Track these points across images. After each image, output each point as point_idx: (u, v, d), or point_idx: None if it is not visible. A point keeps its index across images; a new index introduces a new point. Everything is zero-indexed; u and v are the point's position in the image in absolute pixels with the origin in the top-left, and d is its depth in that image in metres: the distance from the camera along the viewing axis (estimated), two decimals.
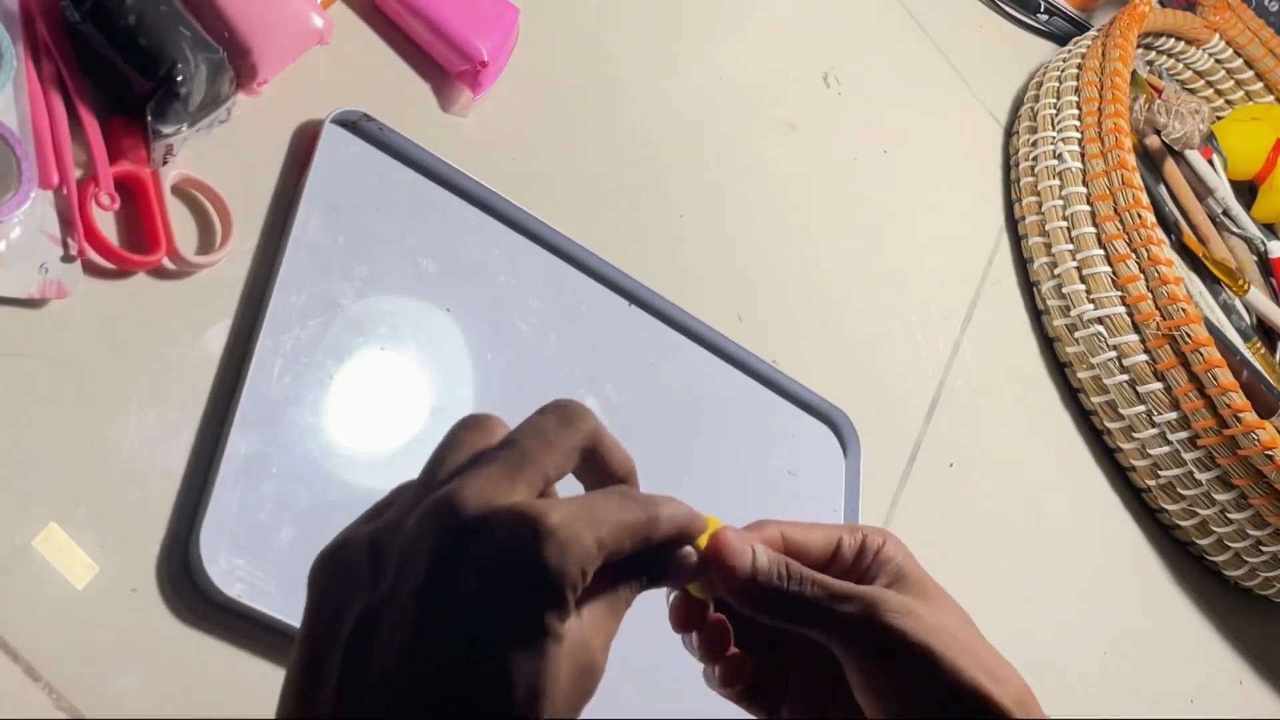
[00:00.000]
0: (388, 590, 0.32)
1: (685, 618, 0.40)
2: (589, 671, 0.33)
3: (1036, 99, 1.09)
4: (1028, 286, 1.02)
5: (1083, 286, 0.95)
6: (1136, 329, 0.92)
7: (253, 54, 0.59)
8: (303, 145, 0.64)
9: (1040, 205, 1.01)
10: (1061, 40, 1.25)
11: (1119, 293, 0.93)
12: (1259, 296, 1.10)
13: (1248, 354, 1.02)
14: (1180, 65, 1.27)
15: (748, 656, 0.41)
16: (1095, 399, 0.97)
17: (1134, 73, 1.09)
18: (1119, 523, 0.98)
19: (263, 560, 0.52)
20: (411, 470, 0.36)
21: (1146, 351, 0.91)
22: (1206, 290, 1.07)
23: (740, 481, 0.74)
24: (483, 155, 0.71)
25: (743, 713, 0.43)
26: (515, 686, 0.31)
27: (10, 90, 0.53)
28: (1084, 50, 1.09)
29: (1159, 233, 0.92)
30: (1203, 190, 1.15)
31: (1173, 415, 0.91)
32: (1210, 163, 1.17)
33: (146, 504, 0.52)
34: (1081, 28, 1.27)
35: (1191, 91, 1.28)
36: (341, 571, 0.34)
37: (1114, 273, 0.93)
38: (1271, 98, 1.29)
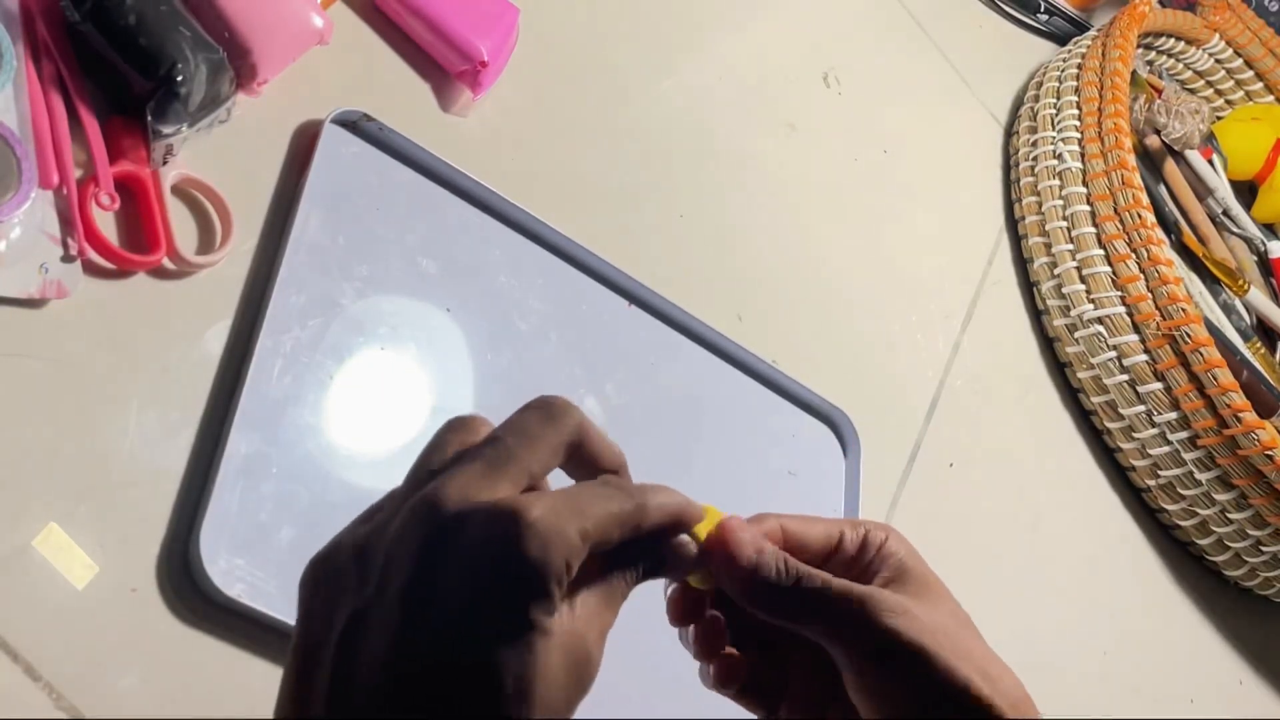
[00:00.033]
0: (374, 591, 0.32)
1: (682, 611, 0.40)
2: (583, 663, 0.33)
3: (1036, 99, 1.09)
4: (1028, 286, 1.02)
5: (1083, 286, 0.95)
6: (1136, 329, 0.92)
7: (253, 54, 0.59)
8: (303, 145, 0.64)
9: (1040, 205, 1.01)
10: (1061, 40, 1.25)
11: (1119, 293, 0.93)
12: (1259, 296, 1.10)
13: (1248, 354, 1.02)
14: (1180, 65, 1.27)
15: (746, 655, 0.41)
16: (1095, 399, 0.97)
17: (1134, 73, 1.09)
18: (1119, 523, 0.98)
19: (263, 560, 0.52)
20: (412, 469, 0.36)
21: (1146, 351, 0.91)
22: (1206, 290, 1.07)
23: (740, 481, 0.74)
24: (483, 155, 0.71)
25: (742, 712, 0.43)
26: (503, 682, 0.31)
27: (10, 90, 0.53)
28: (1084, 50, 1.09)
29: (1159, 233, 0.92)
30: (1203, 190, 1.15)
31: (1173, 415, 0.91)
32: (1210, 163, 1.17)
33: (146, 504, 0.52)
34: (1081, 28, 1.27)
35: (1191, 91, 1.28)
36: (331, 576, 0.34)
37: (1114, 273, 0.93)
38: (1271, 98, 1.29)
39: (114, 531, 0.51)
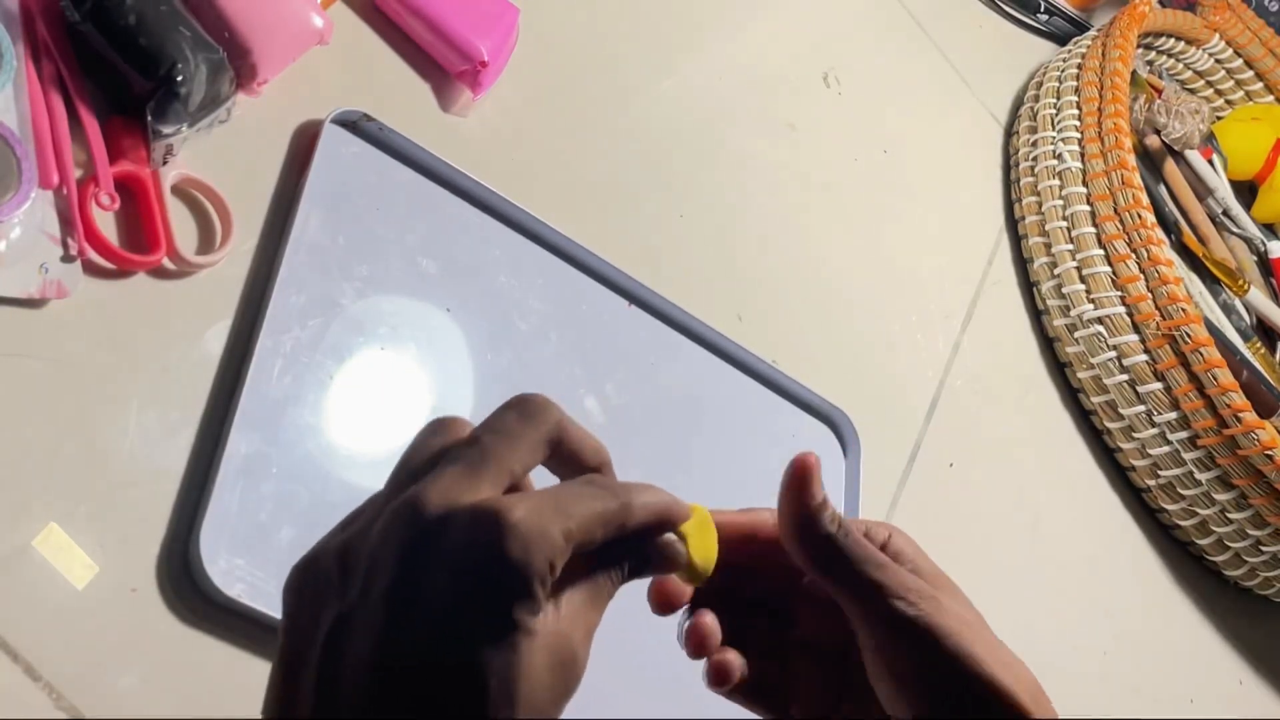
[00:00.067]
0: (358, 595, 0.32)
1: (662, 599, 0.40)
2: (569, 664, 0.33)
3: (1036, 99, 1.09)
4: (1028, 286, 1.02)
5: (1083, 286, 0.95)
6: (1136, 329, 0.92)
7: (253, 54, 0.59)
8: (303, 145, 0.64)
9: (1040, 205, 1.01)
10: (1061, 40, 1.25)
11: (1119, 293, 0.93)
12: (1259, 296, 1.10)
13: (1248, 354, 1.02)
14: (1180, 65, 1.27)
15: (748, 656, 0.41)
16: (1095, 399, 0.97)
17: (1134, 73, 1.09)
18: (1119, 523, 0.98)
19: (263, 560, 0.52)
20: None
21: (1146, 351, 0.91)
22: (1206, 290, 1.07)
23: (740, 481, 0.74)
24: (483, 155, 0.71)
25: (739, 712, 0.43)
26: (487, 683, 0.31)
27: (10, 90, 0.53)
28: (1084, 50, 1.09)
29: (1159, 233, 0.92)
30: (1203, 190, 1.15)
31: (1173, 415, 0.91)
32: (1210, 163, 1.17)
33: (146, 504, 0.52)
34: (1081, 28, 1.27)
35: (1191, 91, 1.28)
36: (314, 580, 0.34)
37: (1114, 273, 0.93)
38: (1271, 98, 1.29)
39: (114, 531, 0.51)
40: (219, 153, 0.60)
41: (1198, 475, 0.92)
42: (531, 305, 0.68)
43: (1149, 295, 0.91)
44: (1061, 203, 0.99)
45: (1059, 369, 1.00)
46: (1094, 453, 0.99)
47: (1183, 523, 0.97)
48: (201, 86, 0.56)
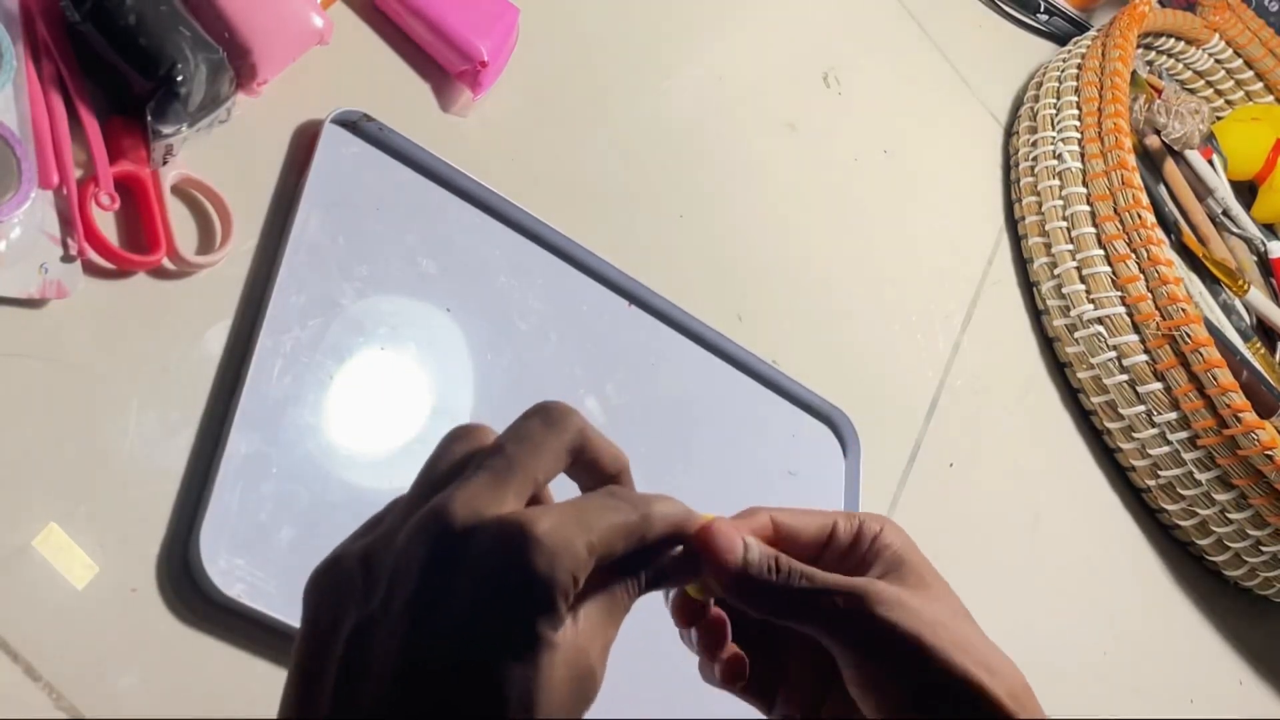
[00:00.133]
0: (381, 602, 0.32)
1: (686, 614, 0.40)
2: (586, 678, 0.33)
3: (1036, 99, 1.09)
4: (1028, 286, 1.02)
5: (1083, 286, 0.95)
6: (1136, 329, 0.92)
7: (253, 54, 0.59)
8: (303, 145, 0.64)
9: (1040, 205, 1.01)
10: (1061, 40, 1.25)
11: (1119, 293, 0.93)
12: (1259, 296, 1.10)
13: (1248, 354, 1.02)
14: (1180, 65, 1.27)
15: (743, 649, 0.41)
16: (1095, 399, 0.97)
17: (1134, 73, 1.09)
18: (1119, 523, 0.98)
19: (263, 560, 0.52)
20: (412, 471, 0.36)
21: (1146, 351, 0.91)
22: (1206, 290, 1.07)
23: (740, 481, 0.74)
24: (483, 155, 0.71)
25: (741, 710, 0.43)
26: (508, 696, 0.31)
27: (10, 90, 0.53)
28: (1084, 50, 1.09)
29: (1159, 233, 0.92)
30: (1203, 190, 1.15)
31: (1173, 415, 0.91)
32: (1210, 163, 1.17)
33: (146, 504, 0.52)
34: (1081, 28, 1.27)
35: (1191, 91, 1.28)
36: (335, 586, 0.34)
37: (1114, 273, 0.93)
38: (1271, 98, 1.29)
39: (114, 531, 0.51)
40: (219, 153, 0.60)
41: (1198, 475, 0.92)
42: (531, 305, 0.68)
43: (1149, 295, 0.91)
44: (1061, 203, 0.99)
45: (1059, 369, 1.00)
46: (1094, 453, 0.99)
47: (1183, 523, 0.97)
48: (201, 86, 0.56)
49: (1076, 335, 0.96)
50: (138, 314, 0.55)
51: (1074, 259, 0.96)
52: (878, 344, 0.89)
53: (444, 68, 0.72)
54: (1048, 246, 0.99)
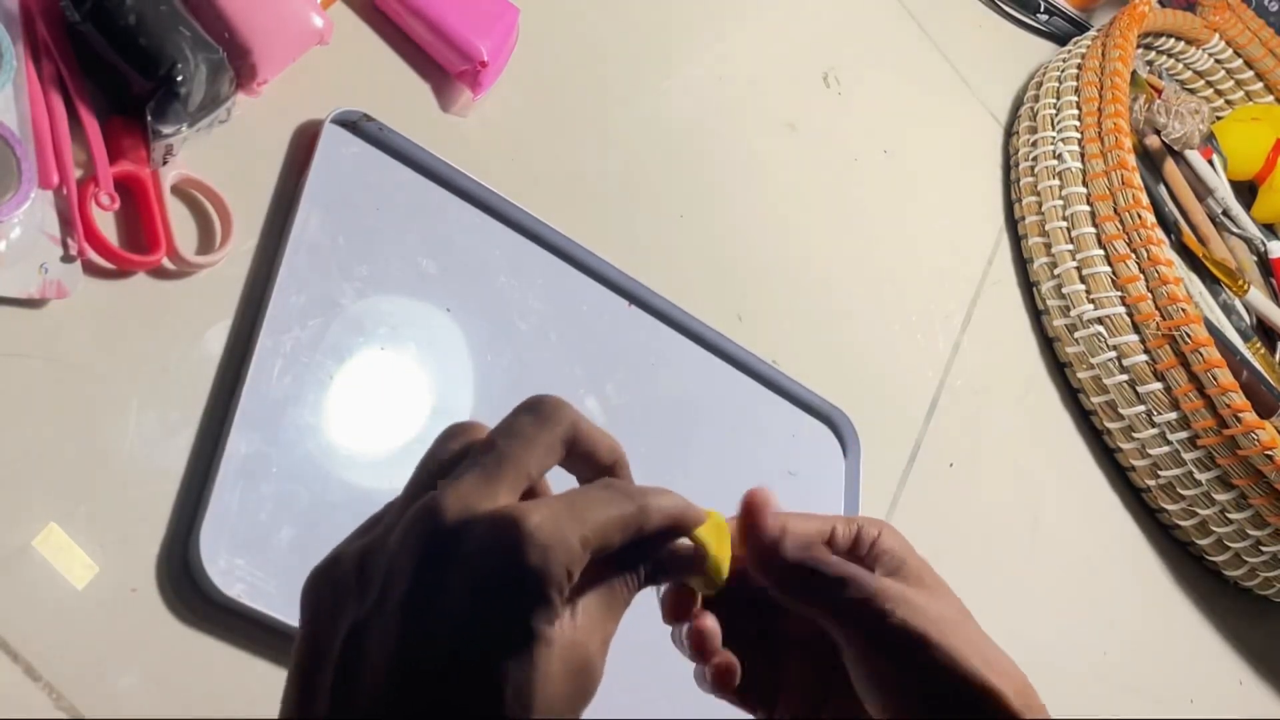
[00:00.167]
0: (375, 602, 0.32)
1: (674, 608, 0.40)
2: (585, 672, 0.33)
3: (1036, 99, 1.09)
4: (1028, 286, 1.02)
5: (1083, 286, 0.95)
6: (1136, 329, 0.92)
7: (253, 54, 0.59)
8: (303, 145, 0.64)
9: (1040, 205, 1.01)
10: (1061, 40, 1.25)
11: (1119, 293, 0.93)
12: (1259, 296, 1.10)
13: (1248, 354, 1.02)
14: (1180, 65, 1.27)
15: (739, 654, 0.41)
16: (1095, 399, 0.97)
17: (1134, 73, 1.09)
18: (1119, 523, 0.98)
19: (263, 560, 0.52)
20: (411, 471, 0.36)
21: (1146, 351, 0.91)
22: (1206, 290, 1.07)
23: (740, 481, 0.73)
24: (483, 155, 0.71)
25: (738, 713, 0.43)
26: (504, 691, 0.31)
27: (10, 90, 0.53)
28: (1084, 50, 1.09)
29: (1159, 233, 0.92)
30: (1203, 190, 1.15)
31: (1173, 415, 0.91)
32: (1210, 163, 1.17)
33: (146, 504, 0.52)
34: (1081, 28, 1.27)
35: (1191, 91, 1.28)
36: (332, 587, 0.34)
37: (1114, 273, 0.93)
38: (1271, 98, 1.29)
39: (114, 531, 0.51)
40: (219, 153, 0.60)
41: (1198, 475, 0.92)
42: (531, 305, 0.68)
43: (1149, 295, 0.91)
44: (1061, 203, 0.99)
45: (1059, 369, 1.00)
46: (1094, 453, 0.99)
47: (1183, 523, 0.97)
48: (201, 86, 0.56)
49: (1076, 335, 0.96)
50: (138, 314, 0.55)
51: (1074, 259, 0.96)
52: (878, 344, 0.89)
53: (444, 68, 0.72)
54: (1048, 246, 0.99)
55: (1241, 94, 1.30)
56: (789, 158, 0.92)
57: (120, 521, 0.51)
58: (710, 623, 0.40)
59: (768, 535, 0.38)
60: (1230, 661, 0.99)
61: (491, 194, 0.68)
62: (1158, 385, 0.91)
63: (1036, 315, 1.01)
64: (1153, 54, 1.24)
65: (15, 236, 0.51)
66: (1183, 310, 0.89)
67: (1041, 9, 1.25)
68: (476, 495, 0.33)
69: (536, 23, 0.77)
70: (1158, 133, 1.13)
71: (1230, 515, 0.93)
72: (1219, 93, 1.30)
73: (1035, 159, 1.04)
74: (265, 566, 0.52)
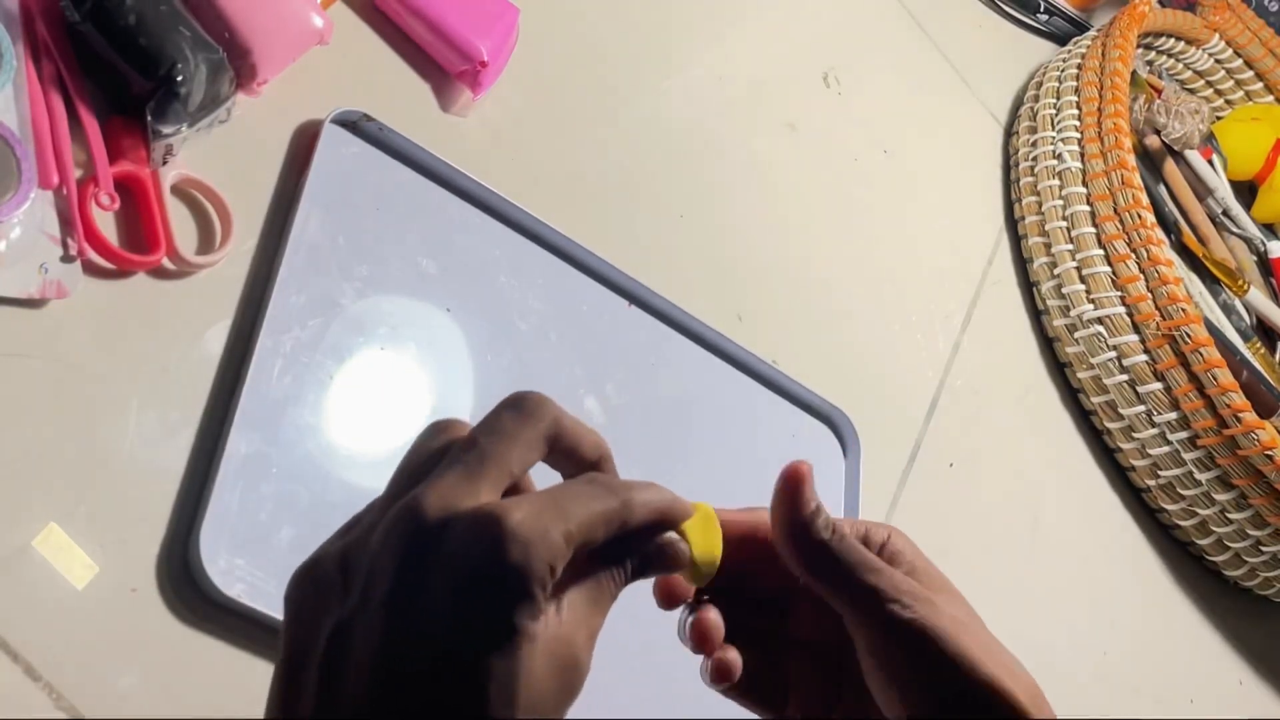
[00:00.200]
0: (358, 601, 0.32)
1: (667, 595, 0.40)
2: (571, 667, 0.33)
3: (1036, 99, 1.09)
4: (1028, 286, 1.02)
5: (1082, 286, 0.95)
6: (1136, 329, 0.92)
7: (253, 54, 0.59)
8: (303, 145, 0.64)
9: (1040, 205, 1.01)
10: (1061, 40, 1.25)
11: (1119, 293, 0.93)
12: (1259, 296, 1.10)
13: (1248, 354, 1.02)
14: (1180, 65, 1.27)
15: (744, 652, 0.41)
16: (1095, 399, 0.97)
17: (1134, 73, 1.09)
18: (1119, 523, 0.98)
19: (263, 560, 0.52)
20: None
21: (1146, 351, 0.91)
22: (1206, 290, 1.07)
23: (740, 482, 0.74)
24: (483, 155, 0.71)
25: (741, 712, 0.43)
26: (488, 689, 0.31)
27: (10, 90, 0.53)
28: (1084, 50, 1.09)
29: (1159, 233, 0.92)
30: (1203, 190, 1.15)
31: (1173, 415, 0.91)
32: (1210, 163, 1.17)
33: (146, 504, 0.52)
34: (1081, 28, 1.27)
35: (1191, 91, 1.28)
36: (314, 588, 0.34)
37: (1114, 273, 0.93)
38: (1271, 98, 1.29)
39: (114, 531, 0.51)
40: (219, 153, 0.60)
41: (1198, 475, 0.92)
42: (531, 305, 0.68)
43: (1149, 295, 0.91)
44: (1061, 203, 0.99)
45: (1059, 369, 1.00)
46: (1094, 453, 0.99)
47: (1183, 523, 0.97)
48: (201, 86, 0.56)
49: (1076, 335, 0.96)
50: (138, 314, 0.55)
51: (1074, 259, 0.96)
52: (878, 344, 0.89)
53: (444, 68, 0.72)
54: (1048, 246, 0.99)
55: (1241, 94, 1.30)
56: (789, 158, 0.92)
57: (120, 521, 0.51)
58: (713, 616, 0.40)
59: (803, 511, 0.38)
60: (1230, 661, 0.99)
61: (491, 194, 0.68)
62: (1158, 385, 0.91)
63: (1036, 315, 1.01)
64: (1153, 54, 1.24)
65: (15, 236, 0.51)
66: (1183, 310, 0.89)
67: (1041, 9, 1.25)
68: (458, 493, 0.33)
69: (536, 23, 0.77)
70: (1158, 133, 1.13)
71: (1230, 515, 0.93)
72: (1219, 93, 1.30)
73: (1035, 159, 1.04)
74: (265, 566, 0.52)
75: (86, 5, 0.55)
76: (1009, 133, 1.11)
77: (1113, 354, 0.93)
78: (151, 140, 0.56)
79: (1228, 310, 1.07)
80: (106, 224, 0.56)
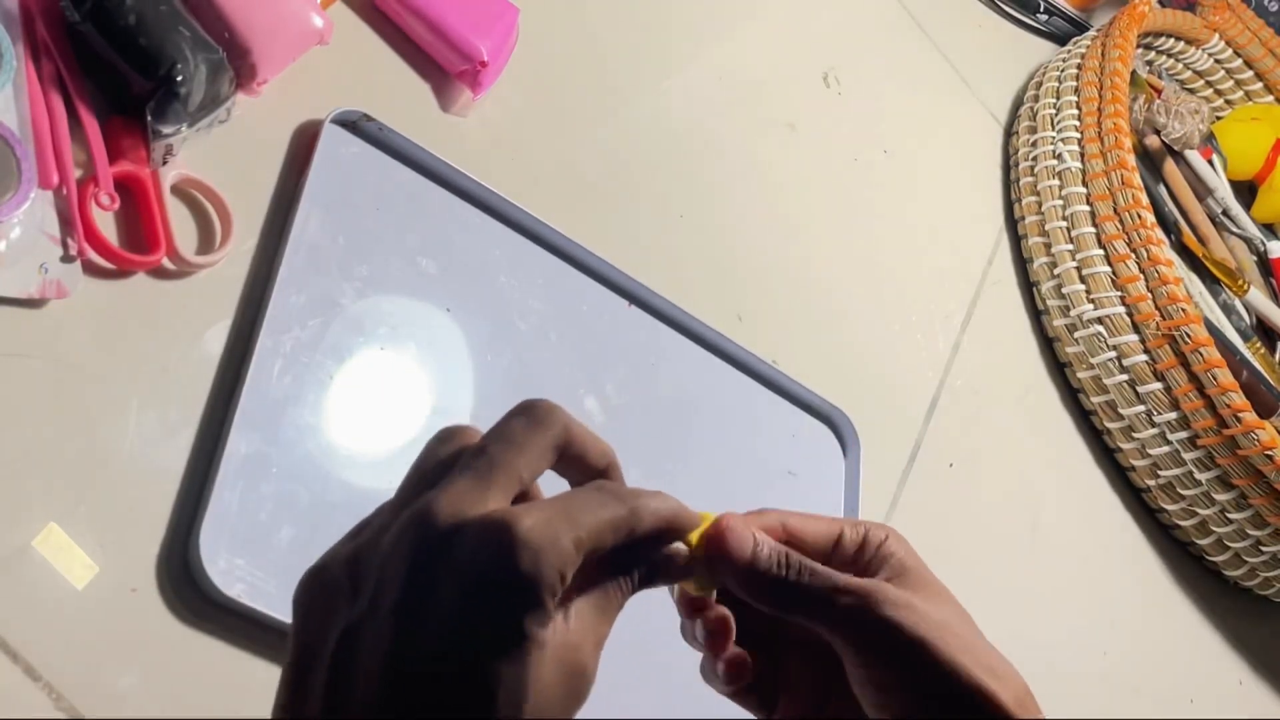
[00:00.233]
0: (367, 607, 0.32)
1: (689, 604, 0.40)
2: (578, 675, 0.33)
3: (1036, 99, 1.09)
4: (1028, 286, 1.02)
5: (1082, 286, 0.95)
6: (1136, 329, 0.92)
7: (253, 54, 0.59)
8: (303, 145, 0.64)
9: (1040, 205, 1.01)
10: (1061, 40, 1.25)
11: (1119, 293, 0.93)
12: (1259, 296, 1.10)
13: (1248, 354, 1.02)
14: (1180, 65, 1.27)
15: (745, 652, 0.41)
16: (1095, 399, 0.97)
17: (1134, 73, 1.09)
18: (1119, 523, 0.98)
19: (263, 560, 0.52)
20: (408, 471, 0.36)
21: (1146, 351, 0.91)
22: (1206, 290, 1.07)
23: (740, 481, 0.74)
24: (483, 155, 0.71)
25: (737, 712, 0.43)
26: (497, 696, 0.31)
27: (10, 90, 0.53)
28: (1084, 50, 1.09)
29: (1159, 233, 0.92)
30: (1202, 190, 1.15)
31: (1172, 415, 0.91)
32: (1210, 163, 1.17)
33: (146, 504, 0.52)
34: (1081, 28, 1.27)
35: (1191, 91, 1.28)
36: (323, 592, 0.34)
37: (1114, 273, 0.93)
38: (1271, 98, 1.29)
39: (114, 531, 0.51)
40: (219, 153, 0.60)
41: (1198, 475, 0.92)
42: (531, 305, 0.68)
43: (1149, 295, 0.91)
44: (1061, 203, 0.99)
45: (1059, 369, 1.00)
46: (1094, 453, 0.99)
47: (1183, 523, 0.97)
48: (201, 86, 0.56)
49: (1076, 335, 0.96)
50: (138, 314, 0.55)
51: (1074, 259, 0.96)
52: (878, 344, 0.89)
53: (444, 68, 0.72)
54: (1048, 246, 0.99)
55: (1241, 94, 1.30)
56: (789, 158, 0.92)
57: (120, 521, 0.51)
58: (726, 617, 0.40)
59: (742, 560, 0.38)
60: (1230, 661, 0.99)
61: (491, 194, 0.68)
62: (1158, 385, 0.91)
63: (1036, 315, 1.01)
64: (1153, 54, 1.24)
65: (15, 236, 0.51)
66: (1183, 310, 0.89)
67: (1041, 9, 1.25)
68: (468, 500, 0.33)
69: (536, 23, 0.77)
70: (1158, 133, 1.13)
71: (1230, 515, 0.93)
72: (1219, 93, 1.30)
73: (1035, 159, 1.04)
74: (265, 566, 0.52)
75: (86, 5, 0.55)
76: (1009, 133, 1.11)
77: (1113, 354, 0.93)
78: (151, 140, 0.56)
79: (1228, 310, 1.07)
80: (106, 224, 0.56)
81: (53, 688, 0.47)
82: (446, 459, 0.35)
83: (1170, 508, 0.96)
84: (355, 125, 0.65)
